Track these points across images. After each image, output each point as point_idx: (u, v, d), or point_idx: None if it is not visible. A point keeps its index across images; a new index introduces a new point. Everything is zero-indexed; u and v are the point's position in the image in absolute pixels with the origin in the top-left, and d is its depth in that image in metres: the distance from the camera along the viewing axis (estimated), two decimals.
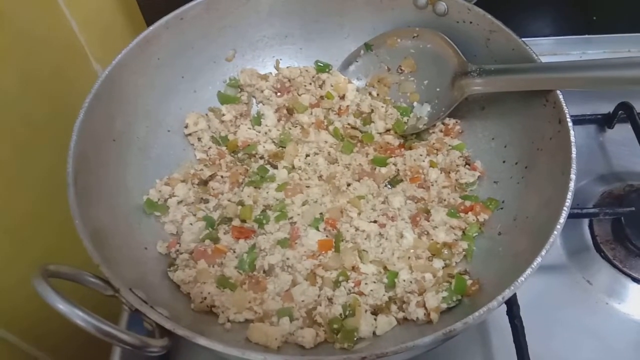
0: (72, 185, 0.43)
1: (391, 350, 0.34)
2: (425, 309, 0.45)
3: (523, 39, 0.51)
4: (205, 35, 0.58)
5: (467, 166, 0.55)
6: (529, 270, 0.37)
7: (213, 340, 0.35)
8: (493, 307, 0.36)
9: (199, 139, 0.59)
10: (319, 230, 0.53)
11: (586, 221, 0.59)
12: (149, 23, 0.68)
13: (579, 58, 0.71)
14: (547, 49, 0.71)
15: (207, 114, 0.60)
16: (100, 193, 0.47)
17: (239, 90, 0.63)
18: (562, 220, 0.39)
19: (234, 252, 0.51)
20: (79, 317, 0.30)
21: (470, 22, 0.54)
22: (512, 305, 0.51)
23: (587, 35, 0.71)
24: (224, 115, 0.61)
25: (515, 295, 0.52)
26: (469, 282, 0.46)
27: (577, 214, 0.55)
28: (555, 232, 0.38)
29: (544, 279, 0.57)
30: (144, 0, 0.65)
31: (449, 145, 0.56)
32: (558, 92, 0.46)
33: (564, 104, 0.45)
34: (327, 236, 0.52)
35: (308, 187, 0.56)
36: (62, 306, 0.30)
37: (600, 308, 0.55)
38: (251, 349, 0.41)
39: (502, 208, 0.51)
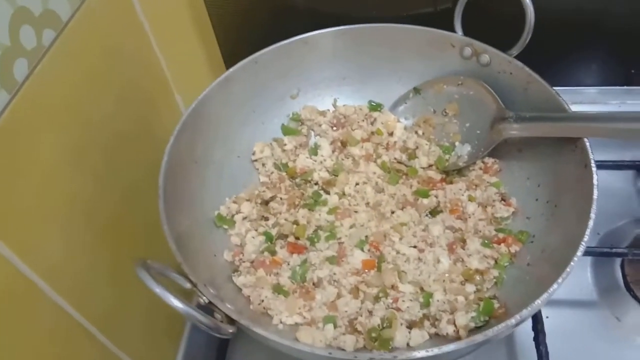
0: (162, 197, 0.52)
1: (420, 355, 0.40)
2: (455, 326, 0.50)
3: (559, 89, 0.56)
4: (275, 76, 0.67)
5: (502, 202, 0.60)
6: (545, 295, 0.42)
7: (270, 332, 0.42)
8: (511, 324, 0.41)
9: (263, 165, 0.68)
10: (363, 251, 0.59)
11: (618, 261, 0.63)
12: (227, 63, 0.80)
13: (617, 108, 0.75)
14: (588, 98, 0.75)
15: (271, 143, 0.69)
16: (182, 206, 0.56)
17: (300, 123, 0.71)
18: (579, 253, 0.44)
19: (288, 264, 0.58)
20: (170, 299, 0.39)
21: (510, 73, 0.60)
22: (538, 333, 0.55)
23: (626, 87, 0.75)
24: (285, 145, 0.69)
25: (542, 324, 0.56)
26: (497, 305, 0.51)
27: (607, 253, 0.59)
28: (572, 263, 0.43)
29: (574, 313, 0.61)
30: (225, 46, 0.76)
31: (487, 182, 0.62)
32: (585, 139, 0.51)
33: (590, 151, 0.50)
34: (370, 257, 0.59)
35: (356, 212, 0.63)
36: (159, 290, 0.39)
37: (628, 344, 0.58)
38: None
39: (532, 242, 0.55)
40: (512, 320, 0.41)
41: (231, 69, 0.64)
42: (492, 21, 0.64)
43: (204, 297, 0.45)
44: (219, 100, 0.63)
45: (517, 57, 0.60)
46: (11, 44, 0.45)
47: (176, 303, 0.39)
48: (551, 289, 0.42)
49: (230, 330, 0.42)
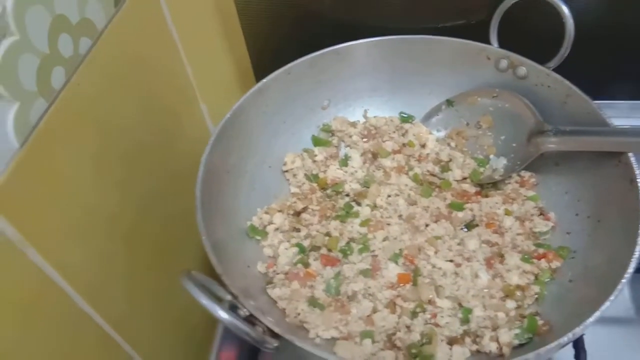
0: (199, 208, 0.51)
1: None
2: (498, 343, 0.49)
3: (598, 101, 0.56)
4: (306, 87, 0.67)
5: (541, 216, 0.59)
6: (598, 313, 0.41)
7: (312, 346, 0.42)
8: (563, 342, 0.40)
9: (294, 176, 0.67)
10: (398, 265, 0.58)
11: None
12: (256, 73, 0.80)
13: None
14: (622, 113, 0.75)
15: (302, 154, 0.69)
16: (216, 217, 0.55)
17: (331, 134, 0.71)
18: (630, 270, 0.43)
19: (322, 277, 0.57)
20: (217, 311, 0.38)
21: (549, 86, 0.60)
22: (579, 351, 0.54)
23: None
24: (316, 155, 0.69)
25: (583, 341, 0.55)
26: (540, 322, 0.50)
27: None
28: (623, 280, 0.42)
29: (611, 330, 0.60)
30: (256, 56, 0.76)
31: (524, 196, 0.61)
32: (630, 154, 0.51)
33: (635, 166, 0.50)
34: (405, 270, 0.58)
35: (389, 224, 0.62)
36: (204, 301, 0.38)
37: None
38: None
39: (573, 257, 0.54)
40: (565, 338, 0.40)
41: (264, 80, 0.64)
42: (527, 34, 0.64)
43: (245, 310, 0.44)
44: (252, 110, 0.63)
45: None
46: (50, 52, 0.45)
47: (223, 315, 0.38)
48: (603, 306, 0.41)
49: (275, 344, 0.41)
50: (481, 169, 0.65)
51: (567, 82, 0.58)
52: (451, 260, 0.57)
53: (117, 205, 0.56)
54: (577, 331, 0.40)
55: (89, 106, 0.50)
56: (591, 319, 0.41)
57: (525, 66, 0.61)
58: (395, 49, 0.67)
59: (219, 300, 0.45)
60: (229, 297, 0.45)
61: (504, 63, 0.63)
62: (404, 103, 0.71)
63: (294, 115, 0.68)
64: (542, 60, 0.61)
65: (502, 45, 0.63)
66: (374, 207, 0.64)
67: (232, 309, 0.41)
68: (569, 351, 0.56)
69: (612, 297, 0.41)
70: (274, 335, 0.43)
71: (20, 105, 0.40)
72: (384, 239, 0.60)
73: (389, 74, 0.69)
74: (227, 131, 0.60)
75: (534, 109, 0.60)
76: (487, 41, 0.64)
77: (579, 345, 0.55)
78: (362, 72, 0.69)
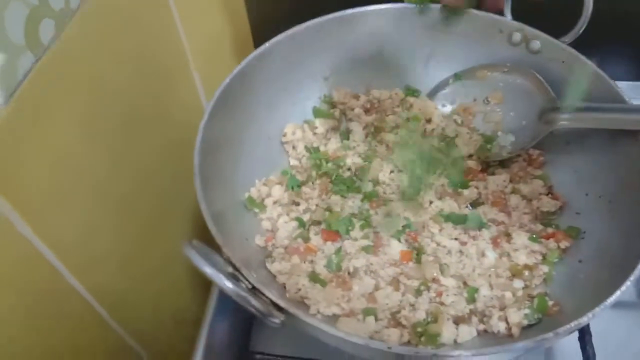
0: (198, 175, 0.48)
1: (489, 351, 0.37)
2: (507, 323, 0.47)
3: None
4: (309, 55, 0.64)
5: (549, 195, 0.58)
6: (618, 292, 0.39)
7: (322, 322, 0.39)
8: (583, 323, 0.39)
9: (294, 147, 0.65)
10: (400, 242, 0.56)
11: None
12: (255, 39, 0.76)
13: None
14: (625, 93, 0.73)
15: (302, 125, 0.66)
16: (213, 186, 0.52)
17: (332, 106, 0.68)
18: None
19: (323, 252, 0.55)
20: (222, 281, 0.35)
21: (563, 62, 0.57)
22: (584, 333, 0.53)
23: None
24: (317, 127, 0.66)
25: (588, 324, 0.54)
26: (550, 303, 0.48)
27: None
28: None
29: (614, 313, 0.59)
30: (256, 22, 0.72)
31: (532, 175, 0.59)
32: None
33: None
34: (408, 247, 0.56)
35: (391, 200, 0.60)
36: (209, 270, 0.35)
37: None
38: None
39: (583, 238, 0.53)
40: (585, 319, 0.39)
41: (266, 44, 0.60)
42: (542, 6, 0.61)
43: (246, 282, 0.42)
44: (253, 76, 0.59)
45: None
46: (39, 3, 0.42)
47: (228, 285, 0.35)
48: (623, 287, 0.40)
49: (281, 318, 0.38)
50: (488, 146, 0.62)
51: (583, 58, 0.55)
52: (456, 239, 0.56)
53: (108, 172, 0.53)
54: (597, 311, 0.39)
55: (79, 64, 0.47)
56: (612, 299, 0.39)
57: (540, 40, 0.58)
58: (404, 17, 0.63)
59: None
60: (229, 270, 0.42)
61: (517, 36, 0.60)
62: (411, 76, 0.68)
63: (294, 84, 0.65)
64: (556, 34, 0.58)
65: (515, 17, 0.61)
66: (377, 182, 0.62)
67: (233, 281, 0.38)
68: (574, 333, 0.55)
69: (632, 278, 0.40)
70: (277, 309, 0.41)
71: (7, 58, 0.38)
72: (386, 215, 0.58)
73: (396, 44, 0.66)
74: (227, 97, 0.56)
75: (546, 85, 0.58)
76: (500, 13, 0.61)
77: (583, 327, 0.54)
78: (368, 42, 0.66)
